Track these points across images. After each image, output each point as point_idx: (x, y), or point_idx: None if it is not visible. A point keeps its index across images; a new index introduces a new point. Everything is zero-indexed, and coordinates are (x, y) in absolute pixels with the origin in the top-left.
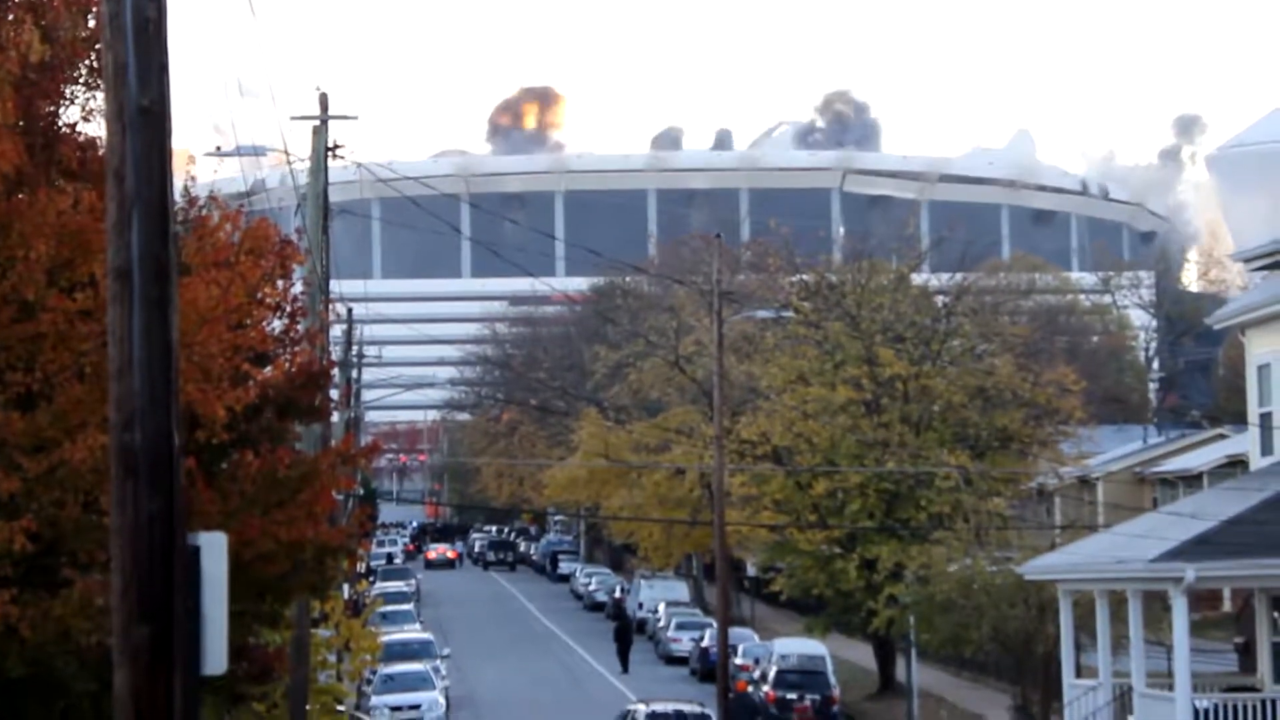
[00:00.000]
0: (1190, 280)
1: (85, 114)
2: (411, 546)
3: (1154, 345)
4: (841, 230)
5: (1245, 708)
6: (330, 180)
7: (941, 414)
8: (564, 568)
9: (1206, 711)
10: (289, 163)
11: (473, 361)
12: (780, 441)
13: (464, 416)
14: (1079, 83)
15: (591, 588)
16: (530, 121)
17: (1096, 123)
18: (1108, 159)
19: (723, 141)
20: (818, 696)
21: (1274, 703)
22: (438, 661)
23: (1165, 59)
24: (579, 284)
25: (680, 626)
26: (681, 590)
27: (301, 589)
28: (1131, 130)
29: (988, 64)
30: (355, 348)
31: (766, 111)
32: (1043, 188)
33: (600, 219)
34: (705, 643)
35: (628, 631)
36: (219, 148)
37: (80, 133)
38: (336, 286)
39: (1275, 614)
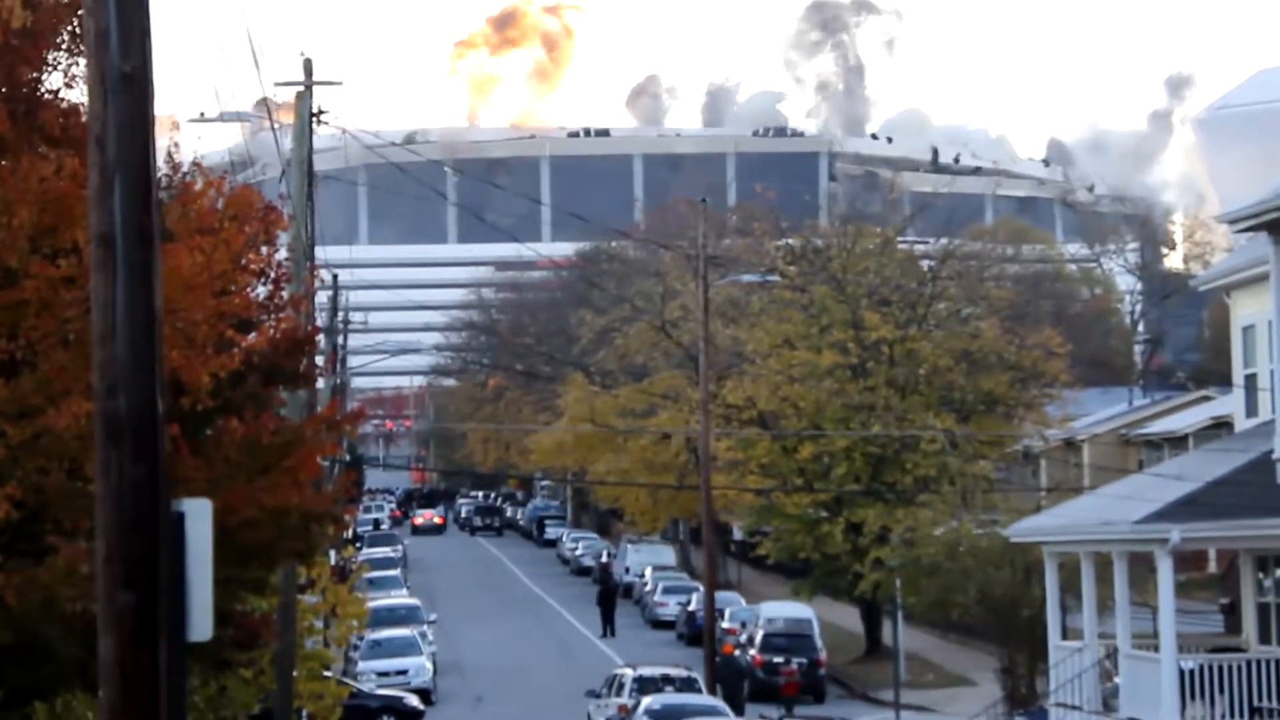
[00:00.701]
0: (1175, 244)
1: (68, 80)
2: (398, 512)
3: (1139, 308)
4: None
5: (1230, 668)
6: (316, 147)
7: (927, 377)
8: (550, 533)
9: (1192, 672)
10: (273, 128)
11: (459, 327)
12: (766, 406)
13: (450, 382)
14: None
15: (578, 552)
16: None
17: (1084, 87)
18: (1094, 127)
19: (715, 99)
20: (804, 660)
21: (1259, 663)
22: (425, 627)
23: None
24: (565, 249)
25: (667, 591)
26: (668, 555)
27: (287, 555)
28: (1122, 93)
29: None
30: (340, 314)
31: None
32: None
33: (586, 184)
34: (692, 607)
35: (611, 595)
36: (203, 113)
37: (63, 99)
38: (322, 253)
39: (1260, 575)
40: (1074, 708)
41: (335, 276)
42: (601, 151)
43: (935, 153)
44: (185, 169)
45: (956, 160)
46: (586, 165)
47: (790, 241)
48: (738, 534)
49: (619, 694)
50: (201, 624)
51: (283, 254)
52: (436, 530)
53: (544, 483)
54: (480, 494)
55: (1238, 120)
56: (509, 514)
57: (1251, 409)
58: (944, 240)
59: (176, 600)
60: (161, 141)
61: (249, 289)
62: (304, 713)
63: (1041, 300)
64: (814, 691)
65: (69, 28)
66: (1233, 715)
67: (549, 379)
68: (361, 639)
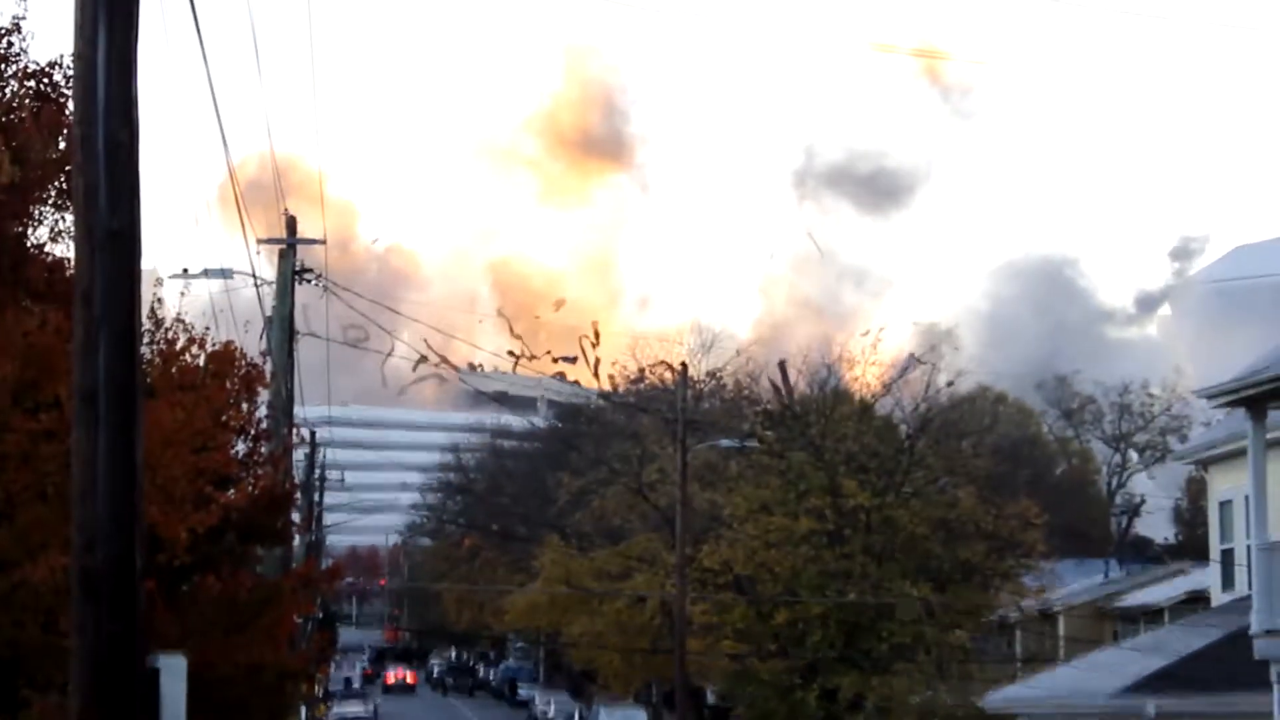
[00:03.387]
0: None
1: (54, 234)
2: (370, 670)
3: (1116, 479)
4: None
5: None
6: (298, 302)
7: (904, 545)
8: (523, 694)
9: None
10: (256, 286)
11: (435, 487)
12: (742, 570)
13: (425, 541)
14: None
15: (550, 714)
16: None
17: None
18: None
19: None
20: None
21: None
22: None
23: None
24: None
25: None
26: (641, 718)
27: (260, 712)
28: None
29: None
30: (318, 471)
31: None
32: None
33: None
34: None
35: None
36: (185, 269)
37: (49, 253)
38: (301, 411)
39: None
40: None
41: (313, 434)
42: None
43: None
44: (168, 324)
45: None
46: None
47: (768, 406)
48: (711, 698)
49: None
50: None
51: (263, 410)
52: (408, 689)
53: (518, 644)
54: (453, 653)
55: (1213, 297)
56: (481, 674)
57: (1228, 583)
58: (922, 407)
59: None
60: (144, 296)
61: (228, 445)
62: None
63: (1019, 469)
64: None
65: (57, 183)
66: None
67: (525, 539)
68: None
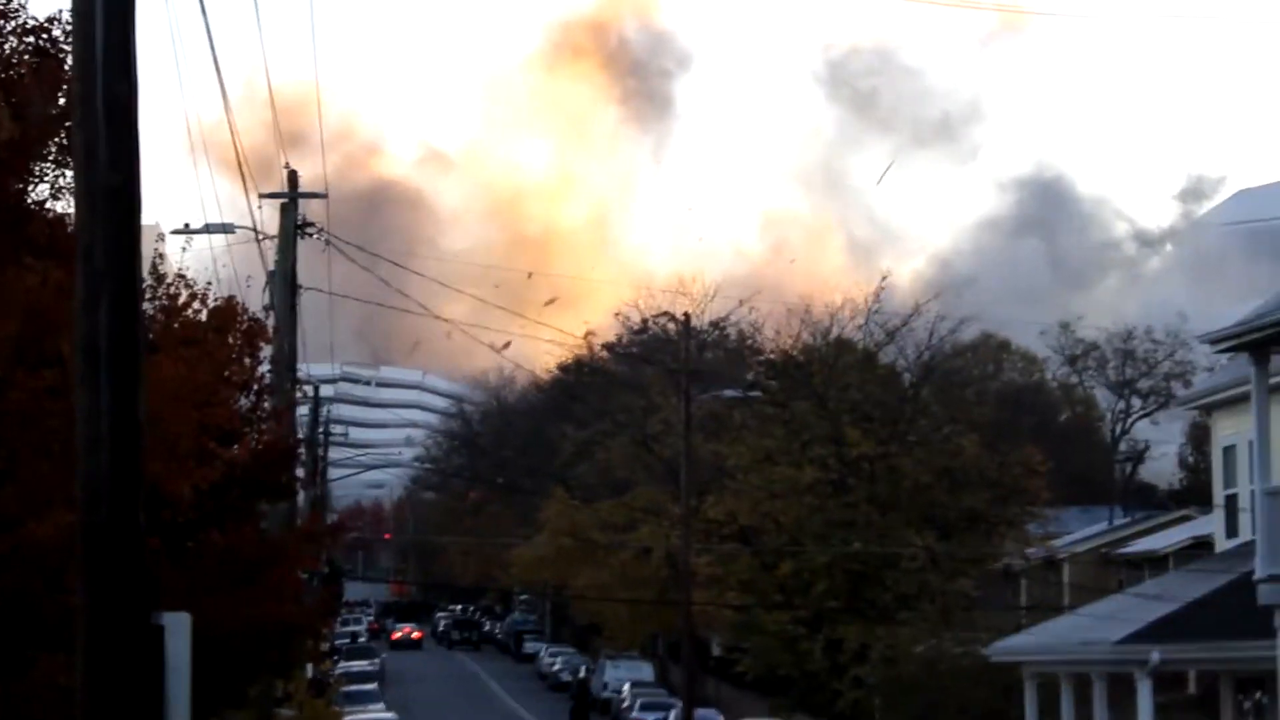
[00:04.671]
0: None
1: (54, 191)
2: (376, 625)
3: (1119, 426)
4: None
5: None
6: (301, 256)
7: (908, 494)
8: (529, 647)
9: None
10: (258, 240)
11: (439, 440)
12: (747, 521)
13: (430, 495)
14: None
15: (556, 668)
16: None
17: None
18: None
19: None
20: None
21: None
22: None
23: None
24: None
25: (645, 707)
26: (646, 670)
27: (266, 668)
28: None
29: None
30: (321, 426)
31: None
32: None
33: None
34: None
35: (585, 711)
36: (187, 224)
37: (49, 210)
38: (304, 367)
39: (1240, 697)
40: None
41: (316, 389)
42: None
43: None
44: (170, 279)
45: None
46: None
47: (771, 356)
48: (716, 650)
49: None
50: None
51: (266, 366)
52: (414, 644)
53: (523, 597)
54: (459, 607)
55: (1217, 239)
56: (487, 628)
57: (1232, 529)
58: (925, 354)
59: (155, 713)
60: (146, 252)
61: (231, 401)
62: None
63: (1022, 417)
64: None
65: (57, 140)
66: None
67: (529, 492)
68: None
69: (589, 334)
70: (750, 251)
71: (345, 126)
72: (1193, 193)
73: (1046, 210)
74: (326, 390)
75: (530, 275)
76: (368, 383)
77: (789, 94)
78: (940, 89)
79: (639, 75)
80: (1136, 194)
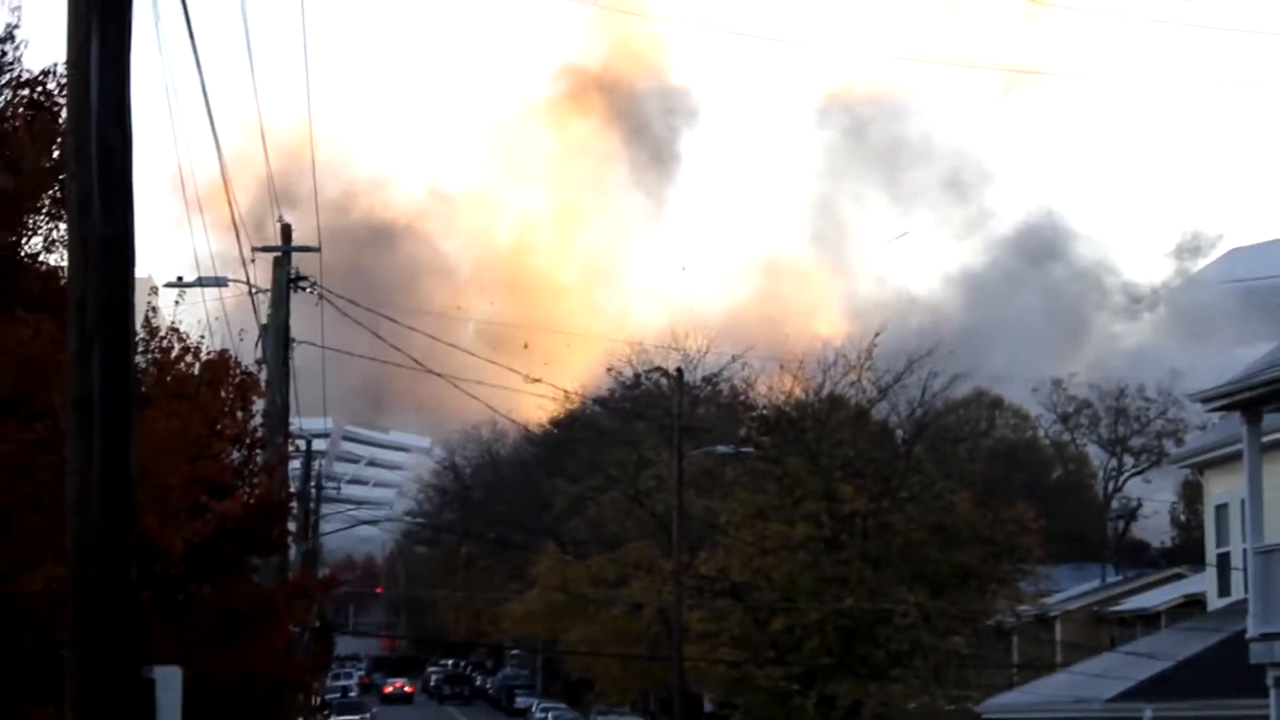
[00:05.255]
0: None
1: (48, 244)
2: (367, 680)
3: (1111, 483)
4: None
5: None
6: (293, 310)
7: (900, 551)
8: (520, 702)
9: None
10: (251, 294)
11: (431, 494)
12: (739, 577)
13: (422, 549)
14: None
15: None
16: None
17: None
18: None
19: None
20: None
21: None
22: None
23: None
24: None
25: None
26: None
27: None
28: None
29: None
30: (313, 480)
31: None
32: None
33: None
34: None
35: None
36: (180, 278)
37: (42, 263)
38: (297, 421)
39: None
40: None
41: (309, 442)
42: None
43: None
44: (163, 333)
45: None
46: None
47: (764, 411)
48: (708, 705)
49: None
50: None
51: (258, 419)
52: (405, 698)
53: (514, 652)
54: (450, 662)
55: (1206, 299)
56: (479, 682)
57: (1224, 588)
58: (918, 411)
59: None
60: (139, 304)
61: (224, 454)
62: None
63: (1015, 474)
64: None
65: (50, 192)
66: None
67: (521, 547)
68: None
69: (570, 393)
70: (745, 305)
71: (346, 171)
72: (1188, 249)
73: (1041, 266)
74: (320, 444)
75: (526, 345)
76: (374, 444)
77: (789, 146)
78: (943, 146)
79: (642, 133)
80: (1132, 250)
